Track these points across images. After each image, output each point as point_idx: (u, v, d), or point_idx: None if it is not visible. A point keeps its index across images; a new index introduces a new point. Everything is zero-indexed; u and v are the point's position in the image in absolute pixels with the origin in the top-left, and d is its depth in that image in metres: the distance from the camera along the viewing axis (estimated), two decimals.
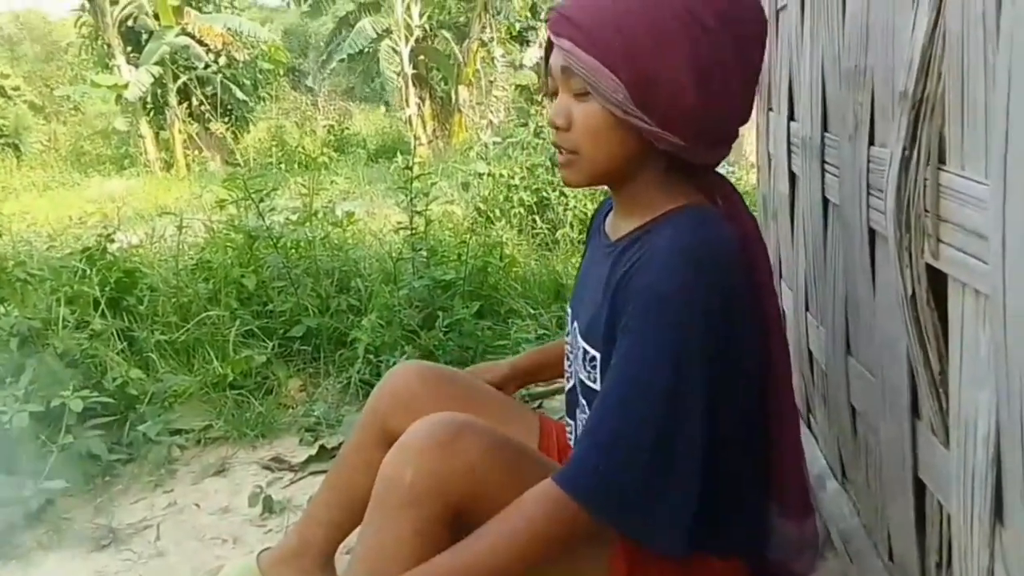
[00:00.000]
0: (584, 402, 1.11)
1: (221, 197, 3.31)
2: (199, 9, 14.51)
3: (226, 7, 15.31)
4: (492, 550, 0.95)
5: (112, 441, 2.18)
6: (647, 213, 1.04)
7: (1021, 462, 0.70)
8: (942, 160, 0.81)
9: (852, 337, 1.31)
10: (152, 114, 14.76)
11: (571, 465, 0.97)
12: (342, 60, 15.61)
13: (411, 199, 3.23)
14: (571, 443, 1.20)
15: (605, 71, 0.96)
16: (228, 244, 3.23)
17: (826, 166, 1.38)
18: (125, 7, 14.13)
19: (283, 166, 11.11)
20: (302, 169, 10.51)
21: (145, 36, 14.41)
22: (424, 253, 3.20)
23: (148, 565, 1.72)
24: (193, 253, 3.35)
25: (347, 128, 15.80)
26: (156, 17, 14.11)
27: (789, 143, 1.76)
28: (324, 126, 15.82)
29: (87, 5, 14.60)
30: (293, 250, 3.15)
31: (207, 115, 14.63)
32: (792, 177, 1.77)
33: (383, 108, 17.84)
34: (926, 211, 0.84)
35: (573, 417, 1.17)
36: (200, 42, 14.02)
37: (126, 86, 13.67)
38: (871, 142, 1.08)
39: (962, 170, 0.76)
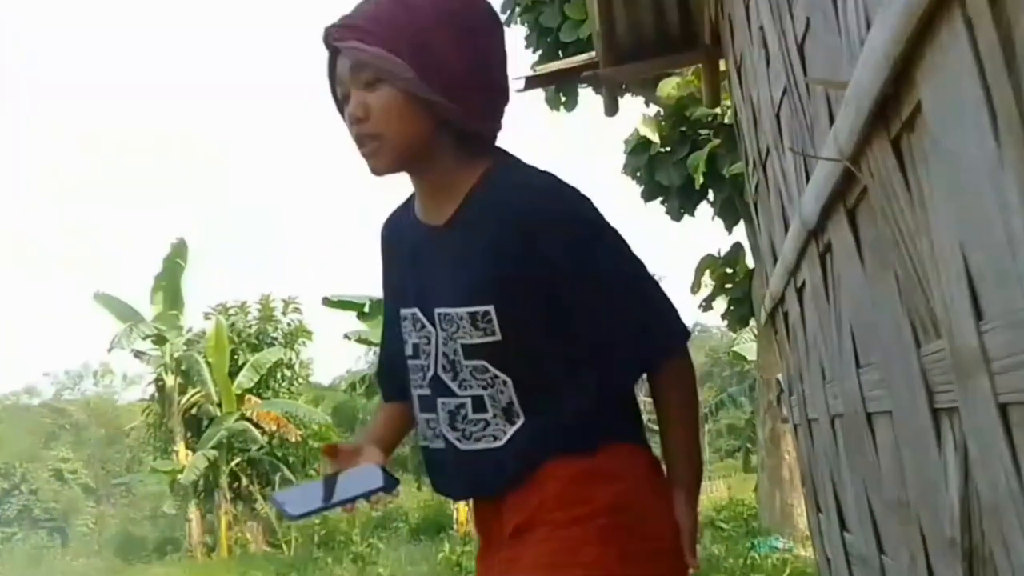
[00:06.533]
0: (468, 364, 1.13)
1: None
2: (259, 395, 15.47)
3: (284, 393, 16.27)
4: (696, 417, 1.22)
5: None
6: (460, 189, 1.16)
7: None
8: None
9: None
10: (202, 496, 15.03)
11: (657, 335, 1.17)
12: None
13: None
14: (435, 434, 1.18)
15: (390, 56, 1.10)
16: None
17: None
18: (192, 396, 15.16)
19: (326, 546, 10.95)
20: (343, 550, 10.37)
21: (206, 422, 15.23)
22: None
23: None
24: None
25: (389, 502, 15.76)
26: (219, 405, 15.02)
27: (847, 553, 1.76)
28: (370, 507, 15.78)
29: (156, 395, 15.71)
30: None
31: (254, 495, 14.85)
32: None
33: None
34: None
35: (433, 408, 1.17)
36: (256, 425, 14.74)
37: (182, 470, 14.15)
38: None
39: None
